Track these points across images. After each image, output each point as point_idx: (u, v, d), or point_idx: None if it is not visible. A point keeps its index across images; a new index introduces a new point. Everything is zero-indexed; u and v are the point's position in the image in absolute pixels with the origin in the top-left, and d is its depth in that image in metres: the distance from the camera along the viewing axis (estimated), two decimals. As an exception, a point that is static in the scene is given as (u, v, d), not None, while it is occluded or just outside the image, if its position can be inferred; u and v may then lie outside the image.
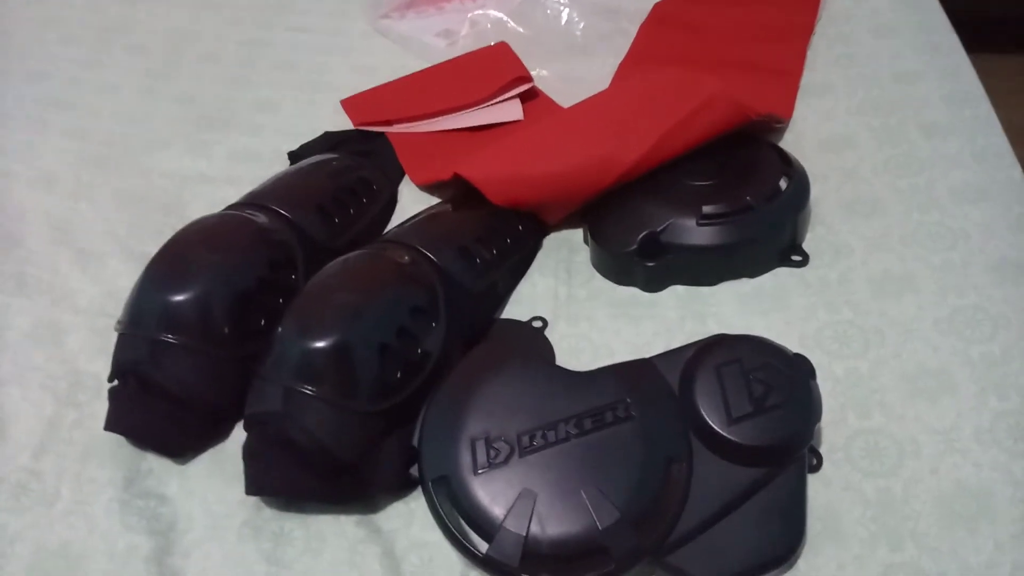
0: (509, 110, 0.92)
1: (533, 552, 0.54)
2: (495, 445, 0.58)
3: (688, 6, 1.04)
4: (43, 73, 1.06)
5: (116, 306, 0.72)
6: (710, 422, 0.57)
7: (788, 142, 0.85)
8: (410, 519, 0.61)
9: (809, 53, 0.96)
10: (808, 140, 0.85)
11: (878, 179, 0.80)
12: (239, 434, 0.65)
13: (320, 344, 0.60)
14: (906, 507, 0.58)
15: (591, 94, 0.88)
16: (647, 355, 0.64)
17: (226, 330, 0.65)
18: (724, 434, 0.56)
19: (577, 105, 0.84)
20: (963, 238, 0.74)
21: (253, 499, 0.62)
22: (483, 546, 0.56)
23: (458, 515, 0.57)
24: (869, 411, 0.63)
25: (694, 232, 0.71)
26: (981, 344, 0.66)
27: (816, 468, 0.60)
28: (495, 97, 0.92)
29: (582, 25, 1.02)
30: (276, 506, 0.62)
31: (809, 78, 0.93)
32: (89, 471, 0.65)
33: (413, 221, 0.78)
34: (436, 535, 0.59)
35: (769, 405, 0.57)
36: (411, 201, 0.85)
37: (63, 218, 0.86)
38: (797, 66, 0.93)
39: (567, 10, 1.03)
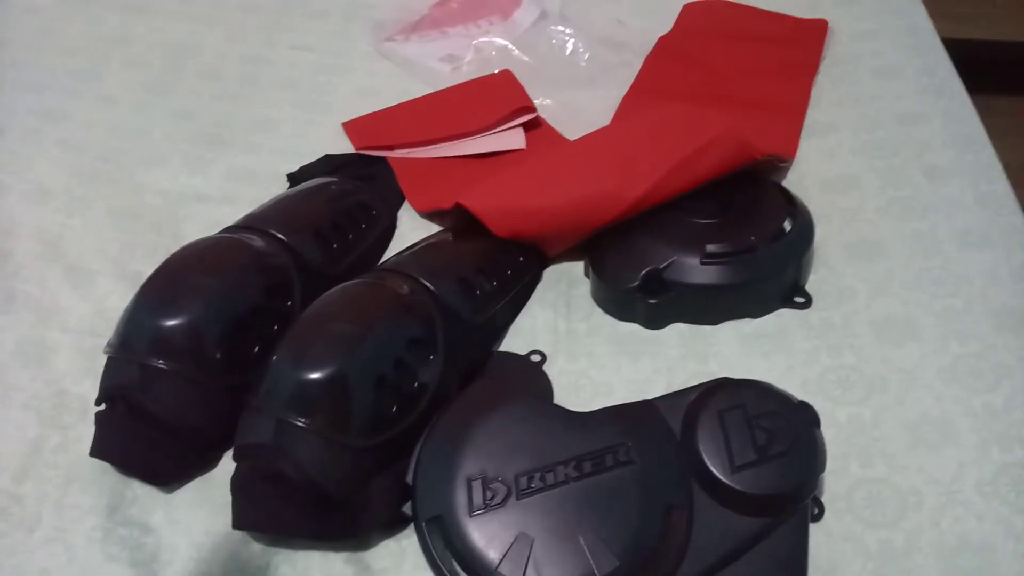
0: (512, 139, 0.91)
1: (528, 599, 0.53)
2: (491, 486, 0.57)
3: (693, 41, 1.04)
4: (40, 84, 1.05)
5: (106, 326, 0.70)
6: (712, 469, 0.56)
7: (791, 181, 0.85)
8: (401, 559, 0.59)
9: (812, 92, 0.95)
10: (811, 180, 0.85)
11: (881, 221, 0.80)
12: (228, 463, 0.63)
13: (314, 375, 0.59)
14: (908, 560, 0.57)
15: (594, 125, 0.88)
16: (647, 393, 0.64)
17: (218, 357, 0.63)
18: (727, 482, 0.55)
19: (582, 138, 0.83)
20: (966, 284, 0.73)
21: (240, 532, 0.60)
22: (477, 590, 0.54)
23: (451, 557, 0.56)
24: (871, 460, 0.62)
25: (697, 271, 0.71)
26: (983, 394, 0.65)
27: (817, 517, 0.59)
28: (498, 126, 0.92)
29: (587, 56, 1.02)
30: (264, 541, 0.60)
31: (812, 117, 0.92)
32: (71, 497, 0.63)
33: (413, 250, 0.77)
34: (428, 576, 0.58)
35: (773, 454, 0.55)
36: (410, 228, 0.84)
37: (54, 233, 0.84)
38: (801, 104, 0.93)
39: (572, 40, 1.03)
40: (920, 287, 0.73)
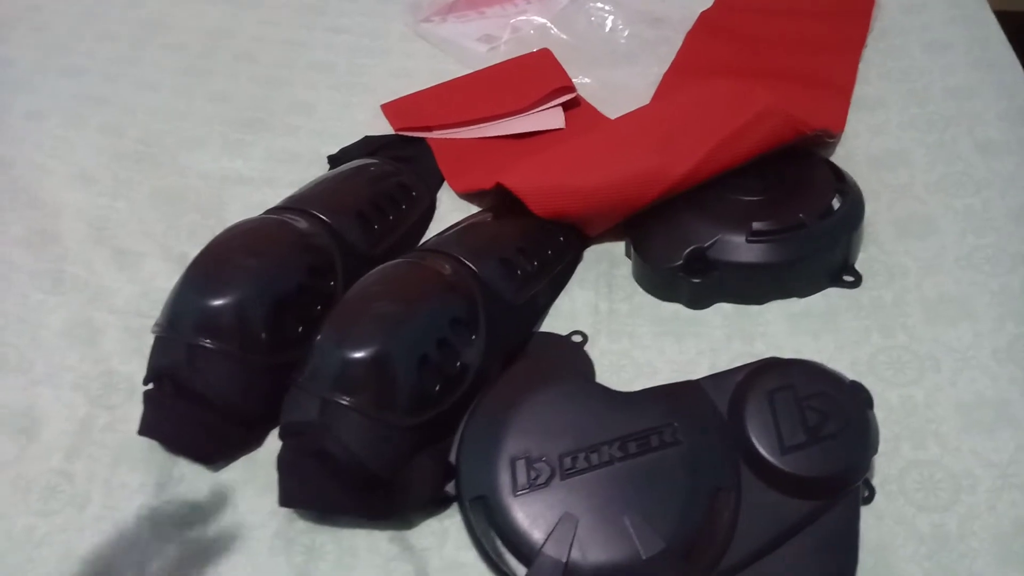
0: (551, 118, 0.90)
1: (573, 579, 0.53)
2: (536, 466, 0.56)
3: (736, 16, 1.02)
4: (81, 68, 1.06)
5: (151, 306, 0.71)
6: (761, 451, 0.55)
7: (839, 157, 0.83)
8: (444, 538, 0.59)
9: (860, 66, 0.93)
10: (859, 155, 0.83)
11: (932, 198, 0.78)
12: (273, 442, 0.64)
13: (359, 354, 0.59)
14: (962, 544, 0.56)
15: (635, 102, 0.87)
16: (691, 374, 0.63)
17: (264, 336, 0.63)
18: (776, 464, 0.54)
19: (624, 116, 0.82)
20: (1021, 262, 0.71)
21: (285, 510, 0.61)
22: (521, 570, 0.54)
23: (495, 537, 0.56)
24: (924, 442, 0.61)
25: (743, 249, 0.69)
26: (1041, 375, 0.64)
27: (868, 500, 0.58)
28: (537, 106, 0.90)
29: (626, 33, 1.00)
30: (309, 519, 0.61)
31: (860, 92, 0.90)
32: (120, 475, 0.64)
33: (454, 230, 0.77)
34: (471, 556, 0.58)
35: (824, 435, 0.54)
36: (449, 208, 0.84)
37: (100, 216, 0.85)
38: (849, 79, 0.90)
39: (611, 17, 1.01)
40: (973, 265, 0.71)
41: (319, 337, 0.61)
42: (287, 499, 0.59)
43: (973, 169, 0.80)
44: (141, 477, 0.64)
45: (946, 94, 0.88)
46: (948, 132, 0.84)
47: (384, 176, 0.80)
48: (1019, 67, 0.90)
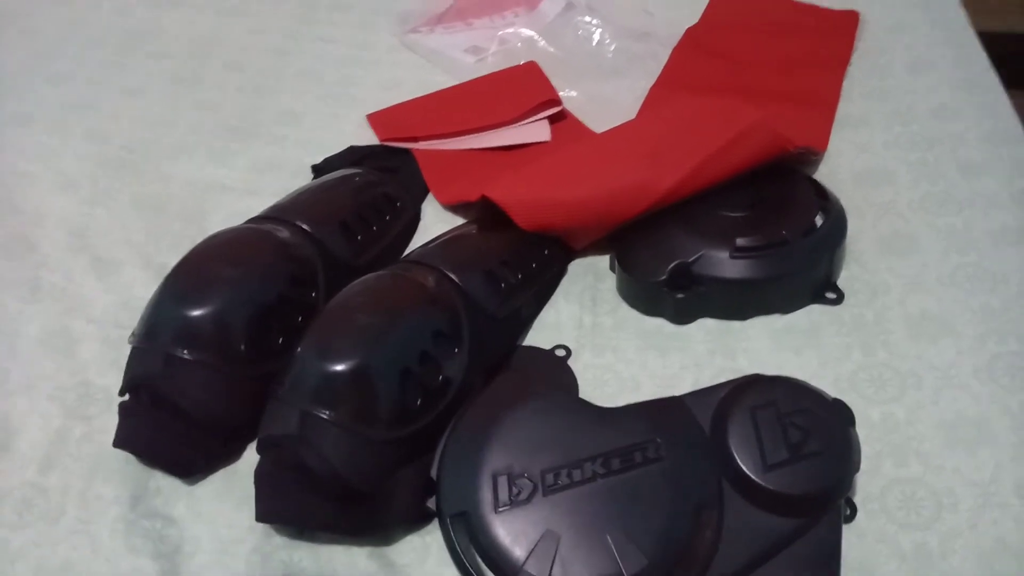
0: (537, 131, 0.90)
1: (554, 596, 0.52)
2: (517, 482, 0.56)
3: (722, 32, 1.02)
4: (66, 75, 1.06)
5: (130, 316, 0.71)
6: (744, 468, 0.55)
7: (822, 174, 0.83)
8: (425, 554, 0.59)
9: (844, 85, 0.94)
10: (843, 173, 0.83)
11: (915, 216, 0.78)
12: (251, 455, 0.63)
13: (340, 367, 0.58)
14: (943, 563, 0.56)
15: (621, 116, 0.87)
16: (674, 389, 0.63)
17: (243, 347, 0.63)
18: (758, 481, 0.54)
19: (611, 131, 0.82)
20: (1002, 282, 0.72)
21: (263, 525, 0.60)
22: (502, 587, 0.54)
23: (476, 554, 0.55)
24: (906, 460, 0.61)
25: (726, 264, 0.69)
26: (1021, 393, 0.64)
27: (850, 518, 0.57)
28: (523, 119, 0.91)
29: (613, 47, 1.01)
30: (287, 534, 0.60)
31: (844, 110, 0.91)
32: (95, 488, 0.63)
33: (438, 242, 0.76)
34: (452, 573, 0.57)
35: (806, 452, 0.54)
36: (434, 220, 0.84)
37: (80, 223, 0.84)
38: (833, 97, 0.91)
39: (599, 31, 1.02)
40: (955, 283, 0.72)
41: (300, 349, 0.60)
42: (264, 514, 0.58)
43: (956, 189, 0.80)
44: (116, 490, 0.63)
45: (929, 114, 0.89)
46: (931, 152, 0.85)
47: (368, 186, 0.80)
48: (1001, 88, 0.91)
